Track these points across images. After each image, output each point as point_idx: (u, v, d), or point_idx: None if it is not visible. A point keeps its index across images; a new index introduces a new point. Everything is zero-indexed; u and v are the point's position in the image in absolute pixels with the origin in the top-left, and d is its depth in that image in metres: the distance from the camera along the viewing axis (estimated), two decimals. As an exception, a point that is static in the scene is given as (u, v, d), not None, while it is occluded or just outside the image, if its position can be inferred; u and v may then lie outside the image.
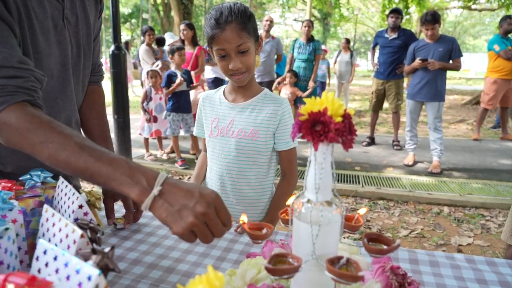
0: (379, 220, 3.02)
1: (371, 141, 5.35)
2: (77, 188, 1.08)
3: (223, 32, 1.06)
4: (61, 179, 0.79)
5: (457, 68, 3.98)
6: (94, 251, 0.50)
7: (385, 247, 0.59)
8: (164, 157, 4.61)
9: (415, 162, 4.39)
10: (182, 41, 4.70)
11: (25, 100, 0.75)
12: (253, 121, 1.19)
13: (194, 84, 4.40)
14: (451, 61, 3.94)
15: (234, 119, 1.21)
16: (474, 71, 24.68)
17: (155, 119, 4.39)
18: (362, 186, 3.68)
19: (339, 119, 0.51)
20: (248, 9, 1.10)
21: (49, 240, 0.63)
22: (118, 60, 3.86)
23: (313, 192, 0.56)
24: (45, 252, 0.52)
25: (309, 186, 0.57)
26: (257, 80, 5.18)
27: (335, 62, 8.01)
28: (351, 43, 8.20)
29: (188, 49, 4.52)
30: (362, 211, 0.64)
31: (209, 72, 5.03)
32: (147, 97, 4.34)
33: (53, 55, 0.91)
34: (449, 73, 4.51)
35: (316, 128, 0.52)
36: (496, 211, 3.20)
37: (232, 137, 1.20)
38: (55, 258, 0.50)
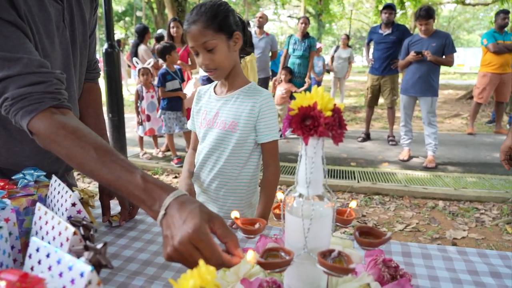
0: (375, 215, 3.04)
1: (367, 137, 5.37)
2: (72, 186, 1.08)
3: (190, 30, 1.09)
4: (54, 177, 0.79)
5: (449, 63, 3.99)
6: (86, 248, 0.51)
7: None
8: (160, 155, 4.60)
9: (410, 157, 4.41)
10: (171, 38, 4.68)
11: (52, 105, 0.77)
12: (234, 113, 1.21)
13: (185, 82, 4.40)
14: (444, 56, 3.96)
15: (219, 111, 1.24)
16: (468, 65, 24.80)
17: (148, 118, 4.37)
18: (358, 181, 3.70)
19: (328, 113, 0.52)
20: (219, 6, 1.10)
21: (42, 238, 0.63)
22: (112, 59, 3.84)
23: (304, 187, 0.56)
24: (37, 250, 0.52)
25: (300, 180, 0.57)
26: (252, 77, 5.18)
27: (331, 58, 8.01)
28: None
29: (178, 46, 4.53)
30: (353, 204, 0.65)
31: (202, 71, 5.02)
32: (139, 97, 4.32)
33: (57, 57, 0.92)
34: (444, 68, 4.54)
35: (306, 122, 0.53)
36: (490, 205, 3.23)
37: (216, 128, 1.24)
38: (47, 256, 0.51)
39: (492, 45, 5.08)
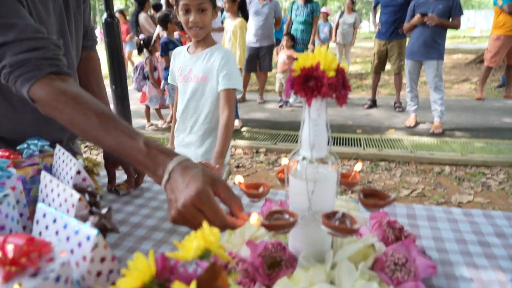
0: (381, 181, 3.05)
1: (373, 104, 5.30)
2: (76, 155, 1.09)
3: None
4: (58, 146, 0.80)
5: (456, 26, 3.86)
6: (91, 213, 0.51)
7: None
8: (165, 126, 4.61)
9: (417, 123, 4.37)
10: (170, 5, 4.55)
11: (51, 72, 0.76)
12: (204, 67, 1.49)
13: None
14: (450, 19, 3.82)
15: (192, 67, 1.53)
16: (479, 28, 24.00)
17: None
18: (364, 148, 3.69)
19: (332, 73, 0.50)
20: None
21: (49, 205, 0.64)
22: (112, 29, 3.76)
23: (307, 150, 0.55)
24: (44, 216, 0.53)
25: (304, 143, 0.56)
26: (256, 45, 5.07)
27: (337, 25, 7.75)
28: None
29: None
30: (358, 166, 0.64)
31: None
32: (153, 67, 4.25)
33: (53, 23, 0.91)
34: (453, 32, 4.41)
35: (309, 83, 0.51)
36: (497, 169, 3.22)
37: (191, 82, 1.53)
38: (54, 221, 0.51)
39: (507, 6, 4.87)
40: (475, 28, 24.52)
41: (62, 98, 0.72)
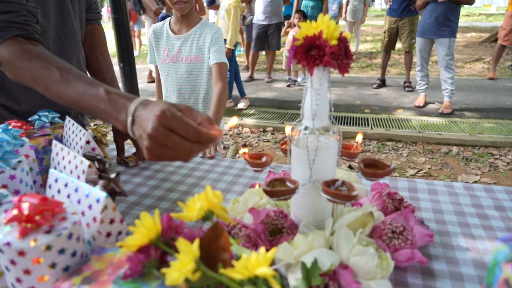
0: (387, 161, 3.05)
1: (382, 83, 5.23)
2: (85, 126, 1.12)
3: None
4: (67, 118, 0.82)
5: (470, 2, 3.74)
6: (100, 177, 0.53)
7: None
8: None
9: (426, 103, 4.32)
10: None
11: (19, 35, 0.76)
12: (195, 47, 1.50)
13: None
14: None
15: (181, 48, 1.52)
16: (496, 6, 23.18)
17: None
18: (371, 128, 3.67)
19: (334, 42, 0.50)
20: None
21: (61, 172, 0.66)
22: (119, 5, 3.72)
23: (309, 119, 0.57)
24: (56, 180, 0.55)
25: (306, 113, 0.57)
26: (265, 22, 4.99)
27: (347, 1, 7.55)
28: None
29: None
30: (359, 137, 0.65)
31: (213, 16, 4.86)
32: None
33: None
34: (468, 9, 4.27)
35: (312, 52, 0.52)
36: (506, 150, 3.19)
37: (182, 63, 1.52)
38: (65, 185, 0.54)
39: None
40: (492, 6, 23.68)
41: (25, 56, 0.72)
